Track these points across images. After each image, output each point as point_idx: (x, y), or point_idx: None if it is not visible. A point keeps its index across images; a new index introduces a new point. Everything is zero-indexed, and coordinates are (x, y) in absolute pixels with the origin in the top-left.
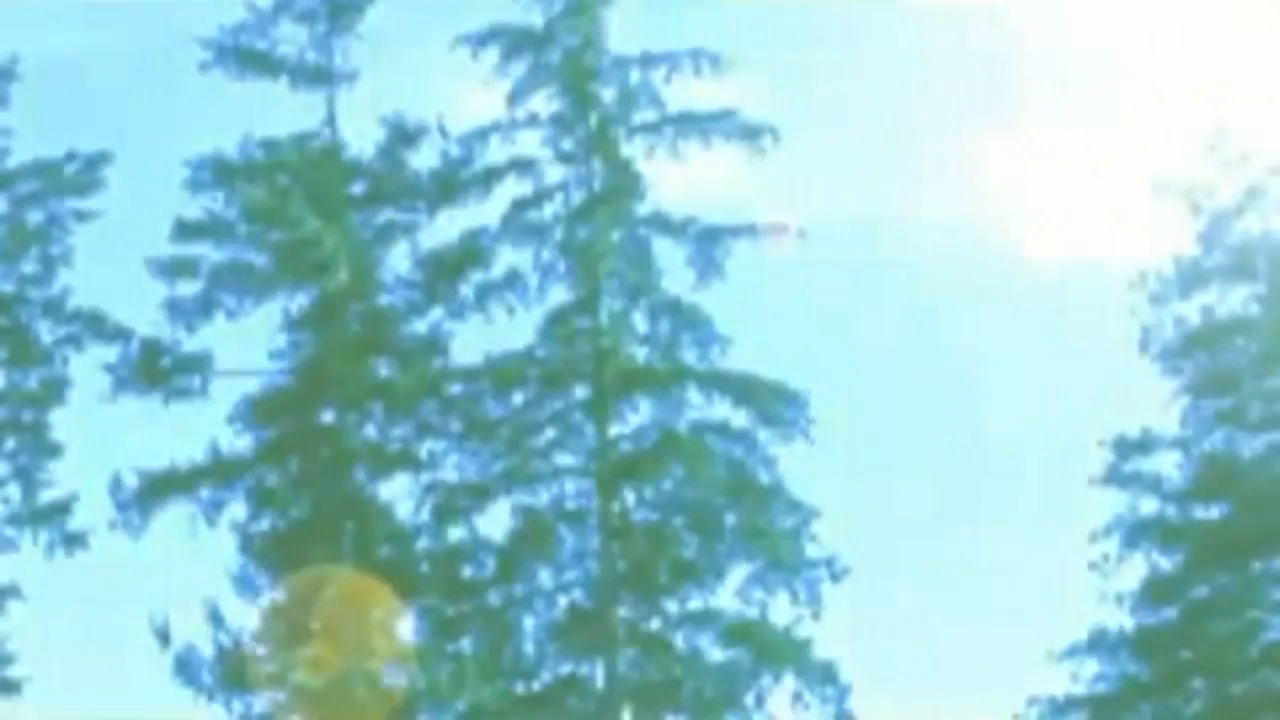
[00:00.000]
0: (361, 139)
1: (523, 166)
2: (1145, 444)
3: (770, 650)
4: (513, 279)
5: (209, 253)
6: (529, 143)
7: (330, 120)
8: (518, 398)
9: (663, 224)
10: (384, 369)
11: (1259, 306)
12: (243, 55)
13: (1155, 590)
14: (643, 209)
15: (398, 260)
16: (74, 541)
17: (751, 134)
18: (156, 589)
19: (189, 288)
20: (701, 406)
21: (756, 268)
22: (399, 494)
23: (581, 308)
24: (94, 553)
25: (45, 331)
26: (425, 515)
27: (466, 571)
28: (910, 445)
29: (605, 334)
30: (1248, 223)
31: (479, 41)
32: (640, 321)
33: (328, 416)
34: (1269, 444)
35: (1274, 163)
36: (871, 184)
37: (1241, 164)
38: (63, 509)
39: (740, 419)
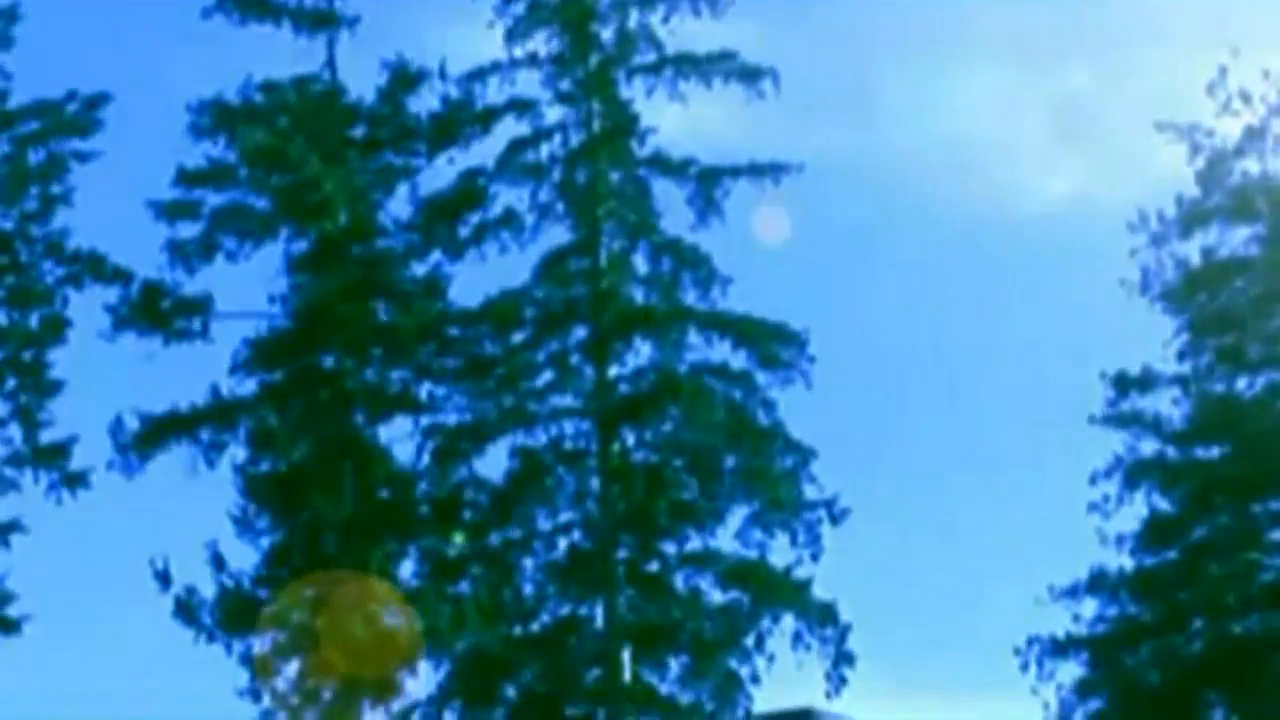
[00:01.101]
0: (361, 82)
1: (521, 107)
2: (1145, 381)
3: (770, 591)
4: (509, 219)
5: (210, 195)
6: (528, 84)
7: (330, 64)
8: (517, 339)
9: (662, 165)
10: (383, 312)
11: (1259, 247)
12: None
13: (1155, 531)
14: (642, 150)
15: (397, 203)
16: (75, 481)
17: (751, 76)
18: (157, 531)
19: (190, 230)
20: (701, 348)
21: (755, 208)
22: (398, 436)
23: (581, 249)
24: (94, 493)
25: (46, 271)
26: (425, 457)
27: (465, 513)
28: (909, 387)
29: (604, 275)
30: (1248, 164)
31: None
32: (639, 262)
33: (327, 359)
34: (1269, 384)
35: (1274, 103)
36: (865, 123)
37: (1242, 105)
38: (63, 449)
39: (739, 360)
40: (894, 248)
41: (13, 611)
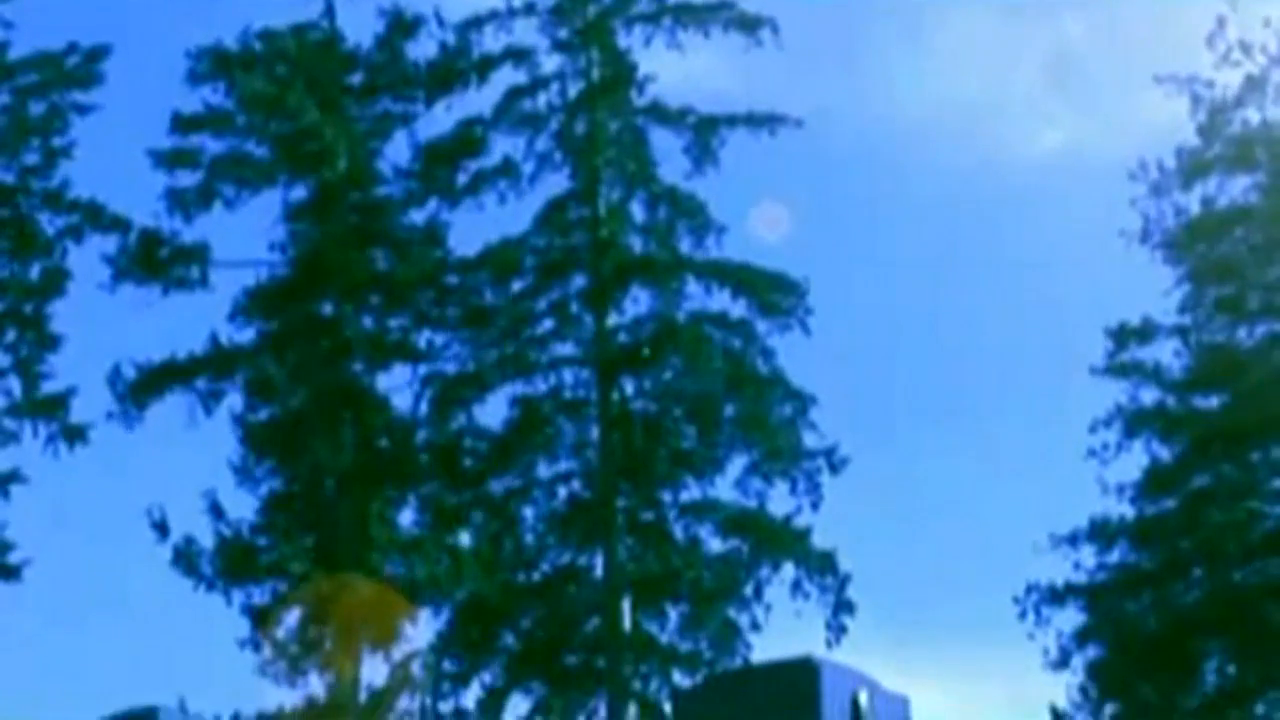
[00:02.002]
0: (359, 30)
1: (519, 56)
2: (1145, 332)
3: (769, 540)
4: (507, 168)
5: (208, 143)
6: (525, 32)
7: (328, 11)
8: (516, 288)
9: (660, 114)
10: (382, 259)
11: (1259, 196)
12: None
13: (1155, 480)
14: (640, 99)
15: (395, 151)
16: (74, 435)
17: (750, 25)
18: (155, 480)
19: (188, 179)
20: (700, 296)
21: (752, 157)
22: (397, 384)
23: (579, 197)
24: (93, 442)
25: (46, 223)
26: (424, 405)
27: (465, 462)
28: (907, 336)
29: (603, 224)
30: (1248, 114)
31: None
32: (636, 211)
33: (326, 307)
34: (1268, 333)
35: (1274, 53)
36: (858, 73)
37: (1241, 55)
38: (62, 401)
39: (739, 309)
40: (888, 198)
41: (13, 559)
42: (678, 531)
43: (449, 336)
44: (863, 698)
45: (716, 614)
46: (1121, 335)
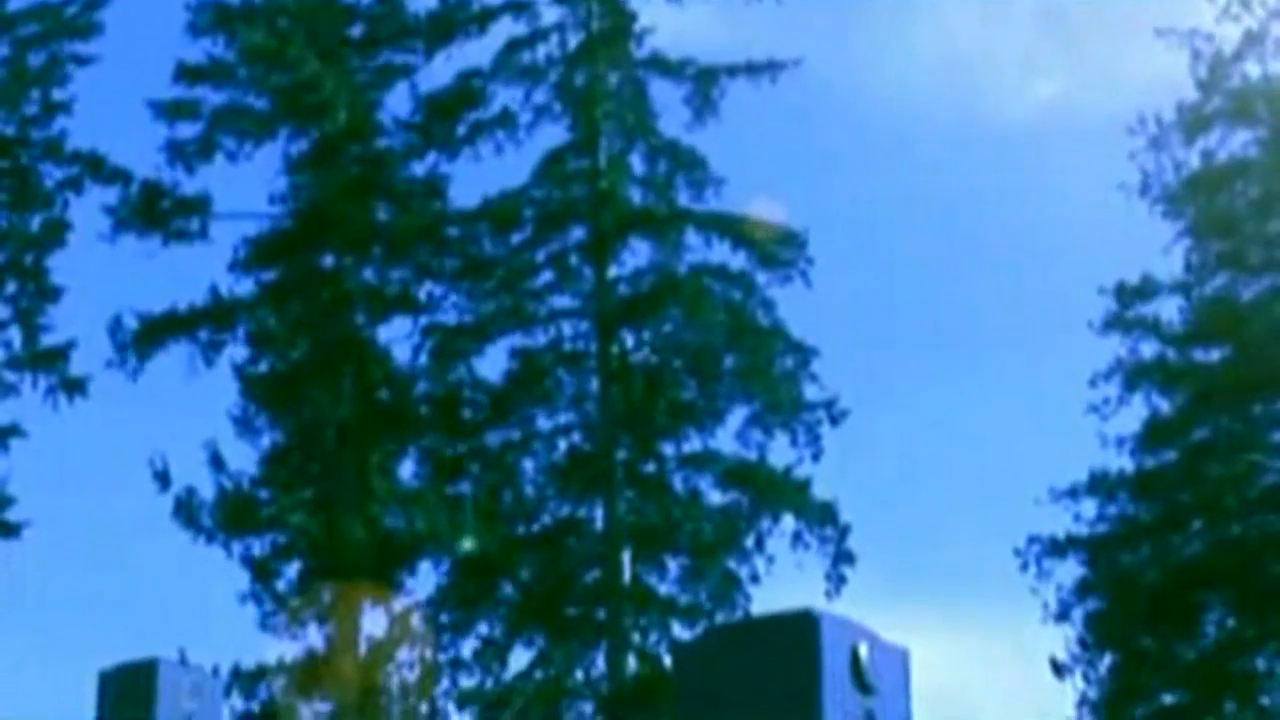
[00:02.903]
0: None
1: (518, 8)
2: (1145, 290)
3: (769, 492)
4: (505, 119)
5: (209, 95)
6: None
7: None
8: (515, 240)
9: (660, 65)
10: (382, 211)
11: (1259, 150)
12: None
13: (1155, 433)
14: (639, 51)
15: (396, 102)
16: (73, 387)
17: None
18: (156, 429)
19: (189, 130)
20: (700, 248)
21: (753, 109)
22: (397, 336)
23: (579, 149)
24: (93, 393)
25: (46, 174)
26: (423, 357)
27: (465, 414)
28: (908, 288)
29: (603, 176)
30: (1248, 67)
31: None
32: (636, 163)
33: (326, 259)
34: (1269, 287)
35: (1274, 7)
36: (855, 25)
37: (1241, 9)
38: (62, 354)
39: (739, 261)
40: (884, 152)
41: (12, 516)
42: (678, 483)
43: (448, 288)
44: (862, 650)
45: (716, 566)
46: (1122, 294)
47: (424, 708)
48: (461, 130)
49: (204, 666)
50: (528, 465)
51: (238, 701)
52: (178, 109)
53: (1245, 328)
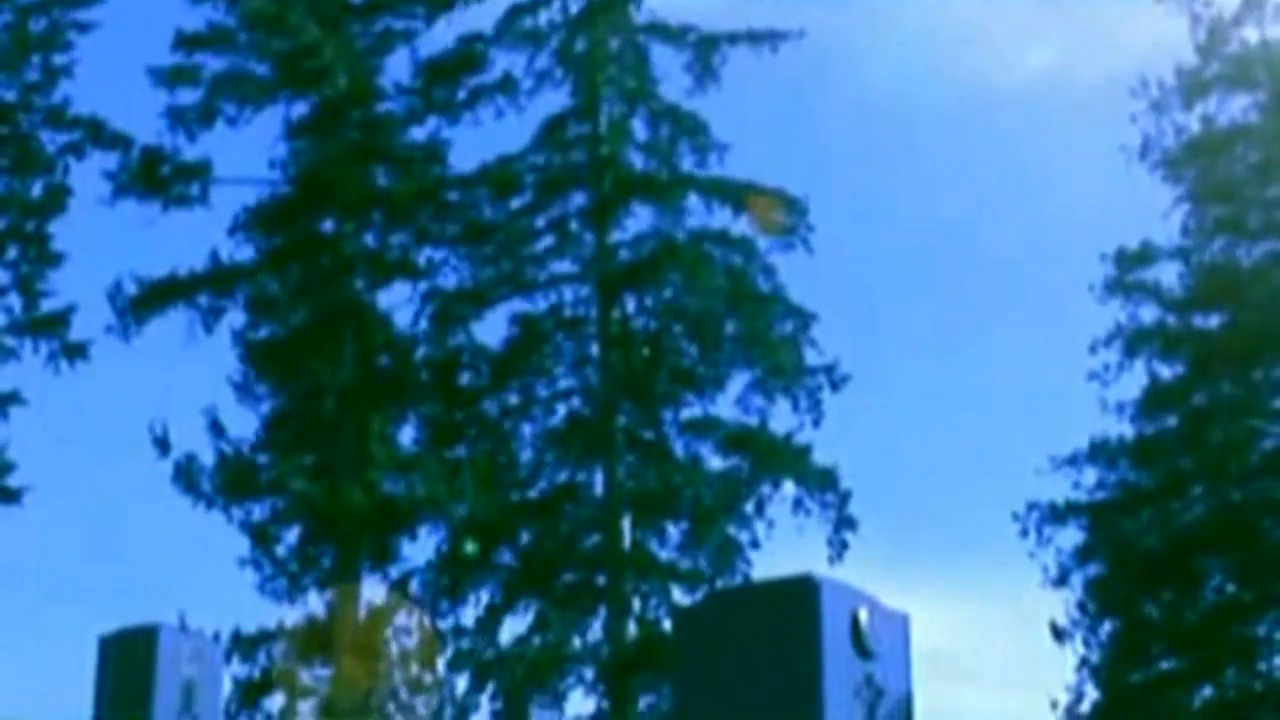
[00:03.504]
0: None
1: None
2: (1145, 256)
3: (770, 457)
4: (506, 84)
5: (209, 60)
6: None
7: None
8: (516, 205)
9: (661, 31)
10: (383, 176)
11: (1258, 114)
12: None
13: (1155, 398)
14: (640, 16)
15: (396, 68)
16: (74, 352)
17: None
18: (156, 395)
19: (189, 96)
20: (701, 214)
21: (753, 74)
22: (397, 301)
23: (580, 114)
24: (93, 360)
25: (47, 140)
26: (423, 323)
27: (464, 379)
28: (909, 253)
29: (604, 141)
30: (1247, 32)
31: None
32: (638, 128)
33: (326, 224)
34: (1269, 252)
35: None
36: None
37: None
38: (62, 319)
39: (740, 226)
40: (883, 120)
41: (12, 482)
42: (678, 449)
43: (449, 253)
44: (862, 615)
45: (717, 531)
46: (1121, 259)
47: (424, 674)
48: (462, 95)
49: (204, 632)
50: (527, 430)
51: (238, 667)
52: (178, 75)
53: (1245, 293)
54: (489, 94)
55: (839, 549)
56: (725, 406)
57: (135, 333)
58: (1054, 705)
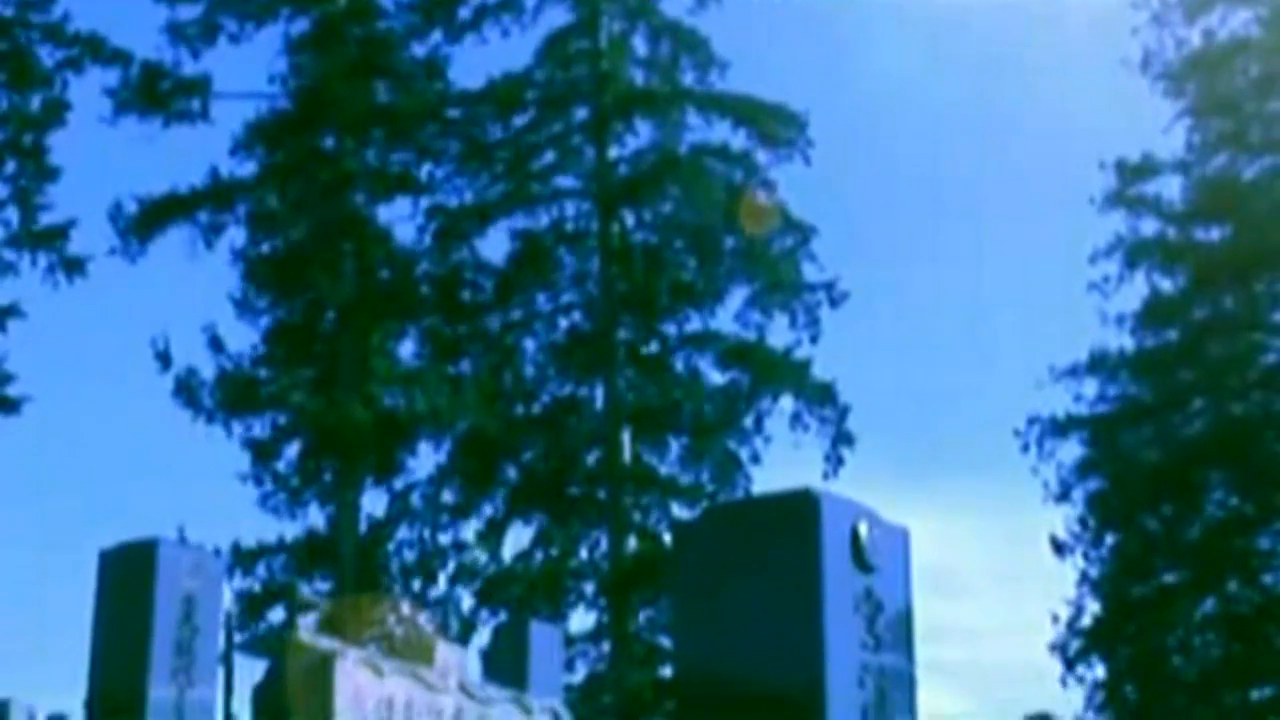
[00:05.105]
0: None
1: None
2: (1146, 169)
3: (769, 372)
4: (508, 2)
5: None
6: None
7: None
8: (517, 121)
9: None
10: (384, 93)
11: (1259, 28)
12: None
13: (1155, 311)
14: None
15: None
16: (73, 266)
17: None
18: (157, 312)
19: (190, 12)
20: (701, 129)
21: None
22: (399, 217)
23: (581, 30)
24: (94, 275)
25: (45, 55)
26: (425, 238)
27: (466, 294)
28: (908, 167)
29: (605, 57)
30: None
31: None
32: (639, 44)
33: (327, 140)
34: (1270, 166)
35: None
36: None
37: None
38: (61, 232)
39: (739, 141)
40: (883, 31)
41: (12, 391)
42: (678, 363)
43: (450, 170)
44: (862, 529)
45: (717, 446)
46: (1123, 171)
47: (426, 588)
48: (464, 13)
49: (204, 545)
50: (529, 345)
51: (238, 580)
52: None
53: (1246, 206)
54: (492, 12)
55: (836, 463)
56: (725, 320)
57: (139, 252)
58: (1055, 619)
